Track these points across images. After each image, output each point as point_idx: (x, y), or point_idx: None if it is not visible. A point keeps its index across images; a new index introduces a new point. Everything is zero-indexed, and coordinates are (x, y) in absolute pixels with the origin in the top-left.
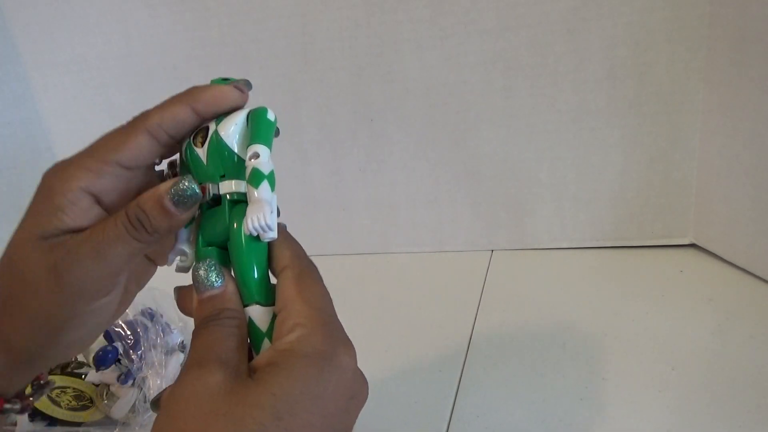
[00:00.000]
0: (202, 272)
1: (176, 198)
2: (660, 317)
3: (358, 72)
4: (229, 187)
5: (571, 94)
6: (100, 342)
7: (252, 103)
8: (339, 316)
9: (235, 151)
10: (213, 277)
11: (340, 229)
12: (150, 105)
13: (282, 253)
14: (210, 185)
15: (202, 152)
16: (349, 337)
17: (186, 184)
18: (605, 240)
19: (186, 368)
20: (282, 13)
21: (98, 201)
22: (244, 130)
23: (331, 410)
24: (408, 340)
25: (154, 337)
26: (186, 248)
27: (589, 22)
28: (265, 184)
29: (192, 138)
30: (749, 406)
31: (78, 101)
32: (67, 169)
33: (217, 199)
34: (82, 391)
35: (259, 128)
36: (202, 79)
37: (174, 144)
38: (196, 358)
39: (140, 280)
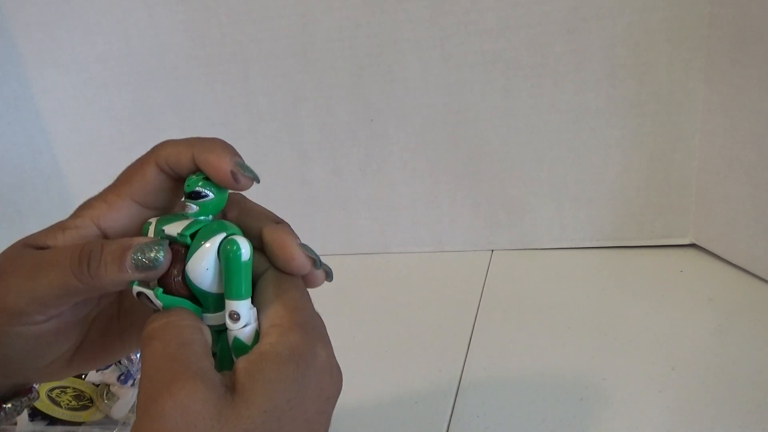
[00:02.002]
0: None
1: (138, 263)
2: (660, 317)
3: (358, 72)
4: (212, 321)
5: (571, 94)
6: None
7: (253, 102)
8: (339, 316)
9: (213, 292)
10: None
11: (340, 229)
12: (150, 105)
13: (260, 259)
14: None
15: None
16: (349, 337)
17: (153, 254)
18: (605, 240)
19: (150, 395)
20: (282, 13)
21: (105, 235)
22: (216, 267)
23: (310, 414)
24: (408, 340)
25: None
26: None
27: (589, 22)
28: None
29: (136, 294)
30: (749, 406)
31: (78, 101)
32: (93, 199)
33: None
34: (82, 391)
35: (232, 276)
36: (202, 79)
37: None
38: (160, 377)
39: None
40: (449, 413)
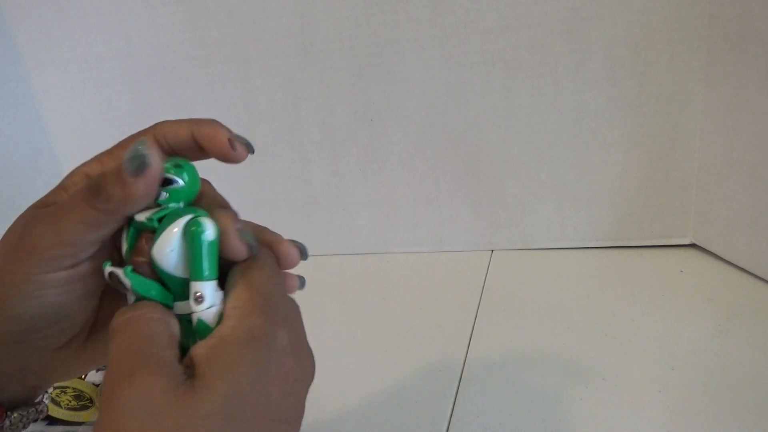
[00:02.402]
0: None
1: (130, 167)
2: (660, 317)
3: (358, 72)
4: (185, 308)
5: (571, 94)
6: None
7: (253, 102)
8: (339, 316)
9: (179, 276)
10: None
11: (340, 229)
12: (150, 105)
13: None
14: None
15: (128, 297)
16: (349, 337)
17: (137, 150)
18: (605, 240)
19: (110, 385)
20: (282, 13)
21: None
22: (181, 249)
23: (274, 397)
24: (408, 340)
25: None
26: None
27: (589, 22)
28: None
29: (107, 276)
30: (749, 406)
31: (78, 101)
32: (89, 160)
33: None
34: (82, 391)
35: (196, 256)
36: (202, 79)
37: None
38: (121, 369)
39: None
40: (449, 413)
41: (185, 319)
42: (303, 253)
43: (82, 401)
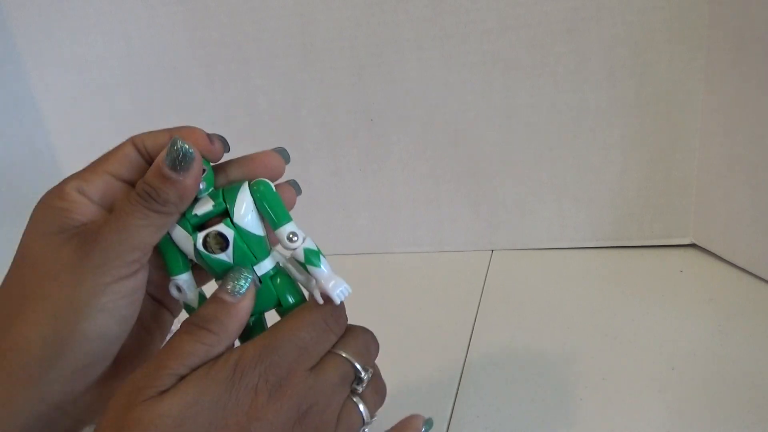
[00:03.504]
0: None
1: (172, 163)
2: (660, 317)
3: (358, 72)
4: (265, 268)
5: (571, 94)
6: None
7: (253, 102)
8: None
9: (260, 234)
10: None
11: (340, 229)
12: (150, 105)
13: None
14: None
15: (226, 255)
16: None
17: (178, 145)
18: (605, 240)
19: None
20: (282, 13)
21: (93, 203)
22: (256, 210)
23: (228, 422)
24: (408, 340)
25: None
26: (181, 284)
27: (589, 22)
28: (323, 260)
29: (202, 243)
30: (749, 406)
31: (78, 101)
32: (60, 184)
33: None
34: None
35: (275, 206)
36: (203, 79)
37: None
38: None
39: (161, 323)
40: (449, 413)
41: (267, 276)
42: (285, 158)
43: None
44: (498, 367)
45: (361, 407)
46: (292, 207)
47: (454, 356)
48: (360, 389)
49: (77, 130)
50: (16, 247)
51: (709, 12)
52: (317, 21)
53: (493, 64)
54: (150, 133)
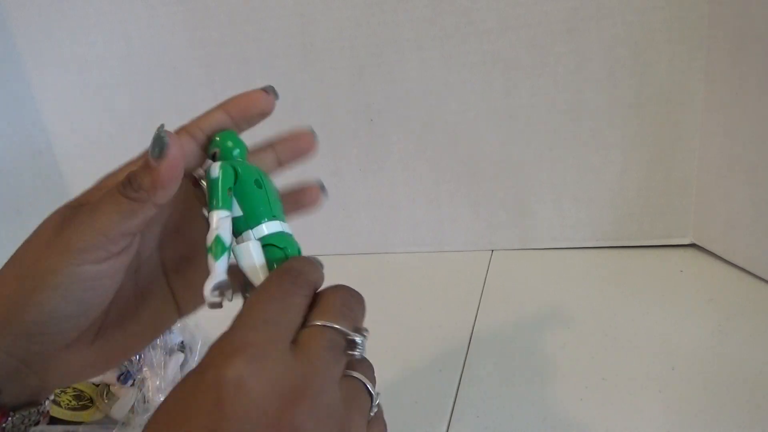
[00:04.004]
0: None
1: (150, 150)
2: (660, 317)
3: (358, 72)
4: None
5: (571, 94)
6: None
7: None
8: None
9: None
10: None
11: (340, 229)
12: (150, 105)
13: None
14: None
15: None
16: None
17: (156, 132)
18: (605, 240)
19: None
20: (282, 13)
21: None
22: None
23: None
24: (408, 340)
25: None
26: (227, 279)
27: (589, 22)
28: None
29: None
30: (749, 406)
31: (78, 101)
32: (114, 171)
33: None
34: (82, 391)
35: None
36: (202, 79)
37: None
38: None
39: (157, 322)
40: (449, 413)
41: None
42: (323, 190)
43: (82, 401)
44: (498, 367)
45: (363, 380)
46: (315, 206)
47: (454, 356)
48: (358, 353)
49: (77, 130)
50: (16, 246)
51: (709, 12)
52: (317, 21)
53: (493, 64)
54: (202, 116)
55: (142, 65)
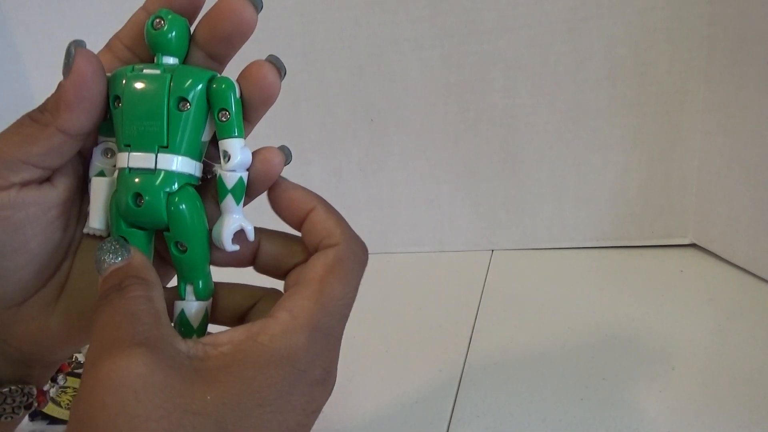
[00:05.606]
0: (99, 252)
1: (64, 67)
2: (660, 317)
3: (358, 72)
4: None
5: (571, 94)
6: None
7: None
8: None
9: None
10: (111, 257)
11: None
12: None
13: (332, 227)
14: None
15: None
16: (349, 337)
17: (68, 47)
18: (605, 240)
19: (91, 361)
20: (282, 13)
21: None
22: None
23: (291, 424)
24: (408, 340)
25: None
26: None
27: (589, 22)
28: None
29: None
30: (749, 406)
31: None
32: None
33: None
34: None
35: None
36: None
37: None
38: (102, 344)
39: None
40: (449, 413)
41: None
42: (287, 156)
43: None
44: (498, 367)
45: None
46: (275, 175)
47: (454, 356)
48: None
49: None
50: None
51: (709, 12)
52: (317, 21)
53: (493, 64)
54: (128, 23)
55: None
